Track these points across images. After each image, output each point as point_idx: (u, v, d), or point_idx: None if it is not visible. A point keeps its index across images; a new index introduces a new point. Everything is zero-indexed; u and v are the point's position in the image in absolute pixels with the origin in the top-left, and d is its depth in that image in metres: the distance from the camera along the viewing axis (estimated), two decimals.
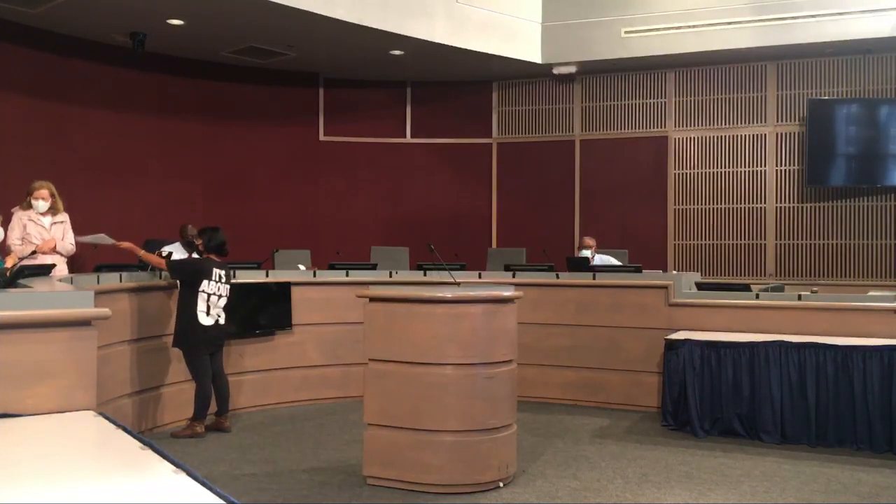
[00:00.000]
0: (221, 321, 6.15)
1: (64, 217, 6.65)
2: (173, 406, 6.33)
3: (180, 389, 6.29)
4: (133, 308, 6.01)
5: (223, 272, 6.17)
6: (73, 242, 6.62)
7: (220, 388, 6.24)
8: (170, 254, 6.71)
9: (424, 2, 9.01)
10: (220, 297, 6.12)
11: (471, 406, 4.69)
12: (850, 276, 9.68)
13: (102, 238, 6.40)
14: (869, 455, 5.56)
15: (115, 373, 5.61)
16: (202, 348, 6.07)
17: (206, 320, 6.04)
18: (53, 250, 6.45)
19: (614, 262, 8.25)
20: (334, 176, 11.01)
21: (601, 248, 8.62)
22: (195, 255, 6.46)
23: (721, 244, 10.25)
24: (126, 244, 6.25)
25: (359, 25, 8.39)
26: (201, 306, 6.02)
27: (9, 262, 5.65)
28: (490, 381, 4.72)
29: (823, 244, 9.83)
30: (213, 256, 6.20)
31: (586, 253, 8.34)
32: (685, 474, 5.10)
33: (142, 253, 6.20)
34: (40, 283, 4.45)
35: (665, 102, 10.48)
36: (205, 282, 6.03)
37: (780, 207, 10.01)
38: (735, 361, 6.02)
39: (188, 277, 6.09)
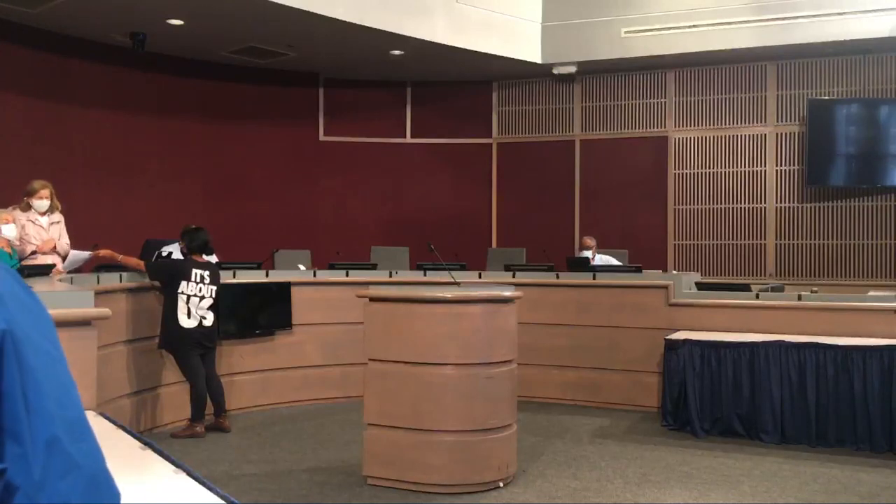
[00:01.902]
0: (207, 322, 6.11)
1: (60, 217, 6.65)
2: (173, 406, 6.33)
3: (180, 389, 6.29)
4: (133, 308, 6.01)
5: (207, 273, 6.13)
6: (69, 242, 6.63)
7: (213, 390, 6.22)
8: (170, 253, 6.71)
9: (424, 2, 9.00)
10: (201, 298, 6.07)
11: (471, 406, 4.69)
12: (850, 276, 9.68)
13: (79, 255, 6.38)
14: (869, 455, 5.56)
15: (114, 373, 5.61)
16: (188, 350, 6.04)
17: (187, 322, 6.00)
18: (53, 250, 6.45)
19: (614, 262, 8.25)
20: (334, 176, 11.01)
21: (601, 248, 8.61)
22: (181, 257, 6.46)
23: (721, 244, 10.25)
24: (104, 251, 6.17)
25: (359, 25, 8.39)
26: (181, 308, 5.98)
27: None
28: (490, 381, 4.72)
29: (823, 244, 9.83)
30: (196, 257, 6.18)
31: (587, 253, 8.32)
32: (685, 474, 5.10)
33: (120, 258, 6.14)
34: (40, 283, 4.45)
35: (665, 102, 10.48)
36: (183, 283, 6.00)
37: (780, 207, 10.01)
38: (735, 361, 6.02)
39: (164, 279, 6.08)
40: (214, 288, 6.17)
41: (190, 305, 6.01)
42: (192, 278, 6.04)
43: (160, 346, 6.10)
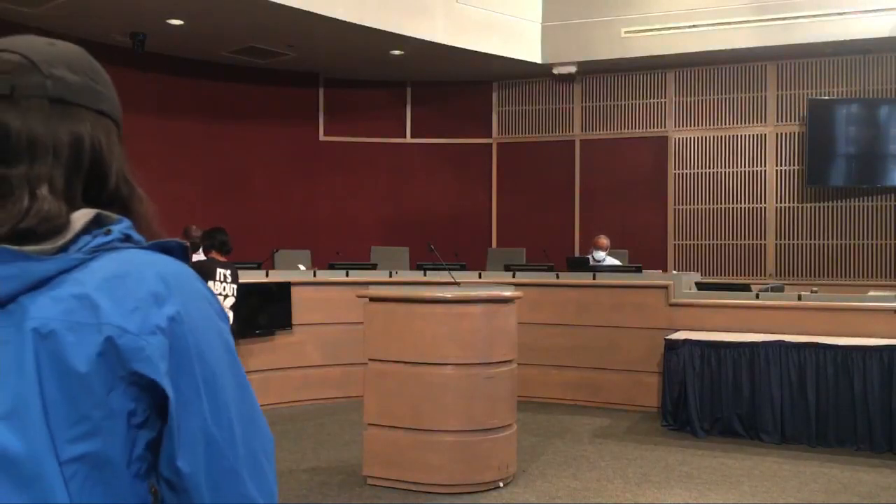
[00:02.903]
0: (229, 322, 6.16)
1: None
2: None
3: None
4: None
5: (228, 272, 6.21)
6: None
7: None
8: None
9: (424, 2, 9.00)
10: (225, 297, 6.15)
11: (471, 406, 4.69)
12: (850, 276, 9.67)
13: None
14: (869, 455, 5.56)
15: None
16: None
17: None
18: None
19: (615, 262, 8.25)
20: (334, 176, 11.01)
21: (597, 247, 8.59)
22: (203, 257, 6.49)
23: (721, 244, 10.24)
24: None
25: (359, 25, 8.39)
26: None
27: None
28: (490, 381, 4.72)
29: (823, 244, 9.83)
30: (217, 256, 6.23)
31: (601, 254, 8.19)
32: (685, 474, 5.10)
33: None
34: None
35: (665, 102, 10.48)
36: (210, 283, 6.06)
37: (780, 207, 10.01)
38: (735, 361, 6.02)
39: None
40: (235, 287, 6.23)
41: None
42: (218, 277, 6.10)
43: None
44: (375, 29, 8.54)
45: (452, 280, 5.93)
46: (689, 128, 10.39)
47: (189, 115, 10.01)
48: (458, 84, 11.09)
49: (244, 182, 10.42)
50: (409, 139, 11.25)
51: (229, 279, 6.20)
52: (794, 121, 9.92)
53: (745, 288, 7.11)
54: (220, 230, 6.34)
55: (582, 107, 10.84)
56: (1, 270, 0.79)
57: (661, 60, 10.00)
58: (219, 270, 6.14)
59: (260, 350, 7.11)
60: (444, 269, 6.63)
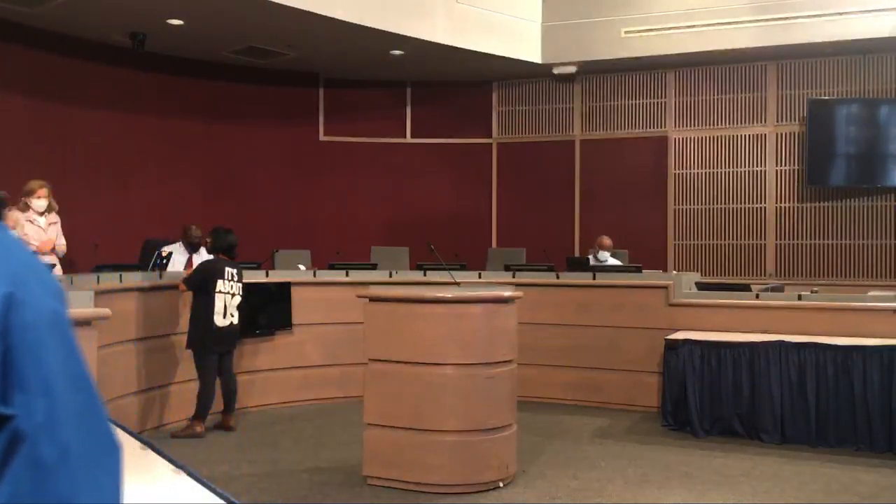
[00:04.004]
0: (235, 321, 6.22)
1: (56, 218, 6.68)
2: (179, 404, 6.34)
3: (186, 388, 6.30)
4: (134, 307, 6.01)
5: (235, 271, 6.26)
6: (65, 243, 6.69)
7: (227, 386, 6.26)
8: (170, 254, 6.76)
9: (424, 2, 9.00)
10: (233, 295, 6.18)
11: (471, 406, 4.69)
12: (850, 276, 9.67)
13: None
14: (869, 455, 5.56)
15: (115, 372, 5.61)
16: (214, 349, 6.11)
17: (222, 322, 6.10)
18: (52, 251, 6.48)
19: (618, 262, 8.25)
20: (334, 176, 11.01)
21: (603, 247, 8.59)
22: (206, 256, 6.53)
23: (721, 244, 10.24)
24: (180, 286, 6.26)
25: (359, 25, 8.39)
26: (218, 307, 6.07)
27: None
28: (490, 381, 4.72)
29: (823, 244, 9.82)
30: (223, 257, 6.26)
31: (605, 254, 8.20)
32: (685, 474, 5.10)
33: (181, 287, 6.26)
34: None
35: (665, 102, 10.47)
36: (220, 282, 6.10)
37: (780, 207, 10.01)
38: (735, 361, 6.02)
39: (201, 284, 6.14)
40: (240, 286, 6.26)
41: (226, 304, 6.11)
42: (226, 276, 6.14)
43: (188, 345, 6.13)
44: (375, 29, 8.54)
45: (452, 280, 5.93)
46: (689, 128, 10.39)
47: (189, 115, 10.01)
48: (458, 84, 11.09)
49: (244, 182, 10.42)
50: (409, 139, 11.25)
51: (236, 278, 6.25)
52: (794, 121, 9.92)
53: (745, 288, 7.11)
54: (228, 231, 6.35)
55: (582, 107, 10.84)
56: None
57: (661, 60, 10.00)
58: (227, 269, 6.18)
59: (260, 350, 7.11)
60: (444, 269, 6.62)
